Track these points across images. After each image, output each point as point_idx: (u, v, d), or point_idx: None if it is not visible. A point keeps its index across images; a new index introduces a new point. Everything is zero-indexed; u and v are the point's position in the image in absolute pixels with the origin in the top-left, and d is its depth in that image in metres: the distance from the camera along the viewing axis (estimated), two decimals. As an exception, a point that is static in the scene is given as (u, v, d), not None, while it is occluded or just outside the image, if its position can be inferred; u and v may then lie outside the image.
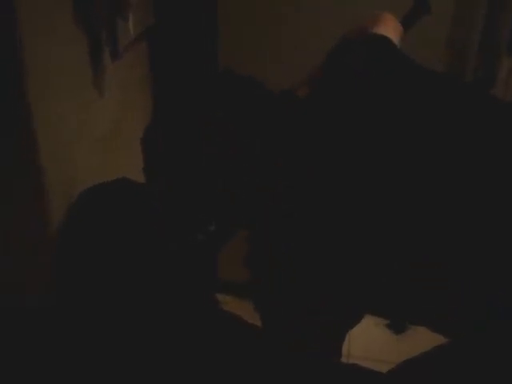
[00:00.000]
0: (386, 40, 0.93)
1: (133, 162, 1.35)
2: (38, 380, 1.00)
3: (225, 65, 1.56)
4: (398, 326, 1.97)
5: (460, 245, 0.78)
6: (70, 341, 0.99)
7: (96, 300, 0.99)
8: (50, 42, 0.95)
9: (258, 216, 0.94)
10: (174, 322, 0.97)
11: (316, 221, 0.88)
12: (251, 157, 0.89)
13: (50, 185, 0.97)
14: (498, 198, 0.76)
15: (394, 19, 1.00)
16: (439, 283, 0.82)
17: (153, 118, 1.02)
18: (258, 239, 0.97)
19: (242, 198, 0.92)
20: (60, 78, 1.00)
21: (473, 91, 0.89)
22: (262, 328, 0.99)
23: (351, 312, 1.00)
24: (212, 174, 0.91)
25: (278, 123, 0.91)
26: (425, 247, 0.81)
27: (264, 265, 0.97)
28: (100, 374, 0.96)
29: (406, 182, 0.81)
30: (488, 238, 0.77)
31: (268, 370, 0.92)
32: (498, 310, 0.76)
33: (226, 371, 0.93)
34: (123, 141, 1.32)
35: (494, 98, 0.89)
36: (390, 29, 0.96)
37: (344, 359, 1.13)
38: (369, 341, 1.89)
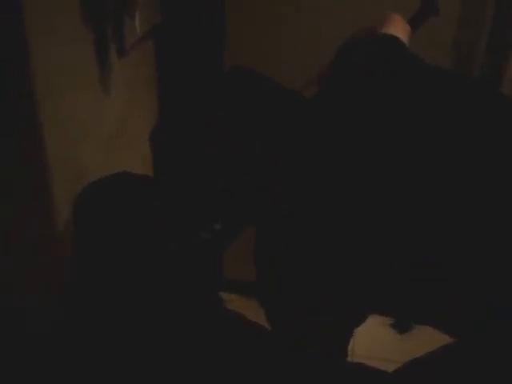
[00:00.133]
0: (395, 40, 0.93)
1: (138, 161, 1.35)
2: (38, 380, 1.00)
3: (229, 64, 1.56)
4: (402, 326, 1.97)
5: (460, 245, 0.78)
6: (70, 341, 0.99)
7: (96, 300, 1.00)
8: (56, 40, 0.96)
9: (258, 216, 0.94)
10: (173, 321, 0.97)
11: (316, 221, 0.88)
12: (251, 157, 0.90)
13: (54, 183, 0.98)
14: (497, 198, 0.76)
15: (402, 20, 1.00)
16: (439, 283, 0.82)
17: (159, 118, 1.02)
18: (259, 239, 0.97)
19: (242, 198, 0.93)
20: (66, 76, 1.00)
21: (482, 91, 0.89)
22: (268, 326, 0.99)
23: (352, 312, 1.01)
24: (212, 174, 0.91)
25: (278, 123, 0.91)
26: (425, 247, 0.81)
27: (264, 264, 0.98)
28: (102, 373, 0.96)
29: (407, 182, 0.81)
30: (488, 238, 0.77)
31: (269, 369, 0.92)
32: (498, 309, 0.76)
33: (227, 371, 0.93)
34: (129, 139, 1.32)
35: (503, 96, 0.89)
36: (399, 29, 0.96)
37: (348, 358, 1.13)
38: (373, 340, 1.89)
